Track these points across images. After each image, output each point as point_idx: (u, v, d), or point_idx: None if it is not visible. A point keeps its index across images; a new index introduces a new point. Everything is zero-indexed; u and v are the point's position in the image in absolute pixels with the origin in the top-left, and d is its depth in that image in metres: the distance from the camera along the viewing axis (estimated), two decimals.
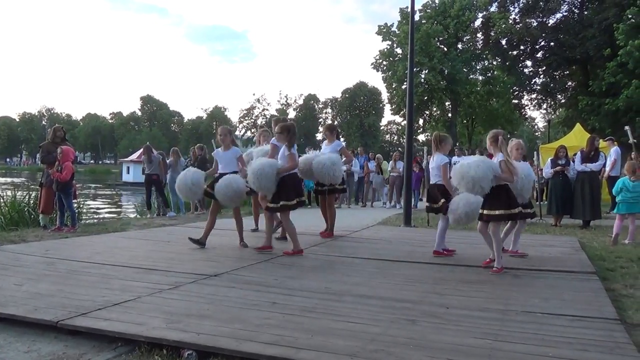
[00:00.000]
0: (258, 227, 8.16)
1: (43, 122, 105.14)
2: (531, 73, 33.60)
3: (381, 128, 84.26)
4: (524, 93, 35.83)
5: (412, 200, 12.13)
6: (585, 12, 29.63)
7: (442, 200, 5.94)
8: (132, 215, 14.73)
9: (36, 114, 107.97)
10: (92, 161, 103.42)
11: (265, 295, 4.03)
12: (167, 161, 12.46)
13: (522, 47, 32.57)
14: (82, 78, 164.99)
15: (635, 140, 10.18)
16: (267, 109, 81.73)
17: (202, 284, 4.45)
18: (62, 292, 3.99)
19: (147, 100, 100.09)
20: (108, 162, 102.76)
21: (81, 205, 11.66)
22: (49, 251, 6.03)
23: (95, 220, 11.11)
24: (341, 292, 4.21)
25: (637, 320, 3.57)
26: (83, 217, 11.01)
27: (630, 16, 23.44)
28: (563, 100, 34.49)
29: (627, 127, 11.02)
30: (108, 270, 4.91)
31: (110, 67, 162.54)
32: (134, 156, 44.40)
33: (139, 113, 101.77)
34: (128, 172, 44.19)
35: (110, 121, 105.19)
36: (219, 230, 8.52)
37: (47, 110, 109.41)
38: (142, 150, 12.54)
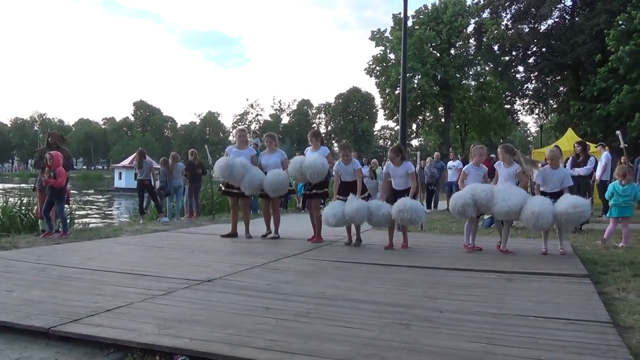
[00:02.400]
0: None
1: (35, 128, 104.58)
2: (523, 78, 33.90)
3: (374, 133, 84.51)
4: (516, 98, 36.12)
5: None
6: (577, 19, 29.95)
7: None
8: (124, 221, 14.66)
9: (28, 119, 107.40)
10: (84, 167, 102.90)
11: (258, 300, 4.02)
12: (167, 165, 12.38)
13: (514, 53, 32.87)
14: (74, 83, 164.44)
15: (626, 145, 10.26)
16: (260, 114, 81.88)
17: (195, 289, 4.42)
18: (54, 299, 3.95)
19: (140, 106, 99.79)
20: (100, 167, 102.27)
21: (73, 212, 11.61)
22: (41, 257, 5.99)
23: (85, 225, 11.05)
24: (335, 296, 4.20)
25: (629, 323, 3.58)
26: (75, 223, 10.96)
27: (620, 22, 23.70)
28: (555, 106, 34.80)
29: (618, 132, 11.09)
30: (100, 276, 4.88)
31: (103, 72, 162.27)
32: (125, 162, 44.22)
33: (132, 118, 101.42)
34: (120, 178, 43.99)
35: (102, 126, 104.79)
36: (211, 235, 8.50)
37: (39, 115, 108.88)
38: (135, 155, 12.50)
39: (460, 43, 42.80)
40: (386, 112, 45.76)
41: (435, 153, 15.38)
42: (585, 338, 3.14)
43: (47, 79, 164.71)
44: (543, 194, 6.66)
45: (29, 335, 3.24)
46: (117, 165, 48.49)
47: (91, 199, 33.51)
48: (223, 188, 8.15)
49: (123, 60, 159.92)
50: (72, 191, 9.62)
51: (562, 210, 6.20)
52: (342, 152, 7.36)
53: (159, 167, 12.72)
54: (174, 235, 8.73)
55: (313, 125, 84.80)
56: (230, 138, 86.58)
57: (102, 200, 33.63)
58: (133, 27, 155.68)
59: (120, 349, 3.01)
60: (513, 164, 6.81)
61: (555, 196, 6.59)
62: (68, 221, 9.60)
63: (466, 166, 7.22)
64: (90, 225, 11.92)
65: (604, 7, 26.09)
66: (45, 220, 8.12)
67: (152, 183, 11.83)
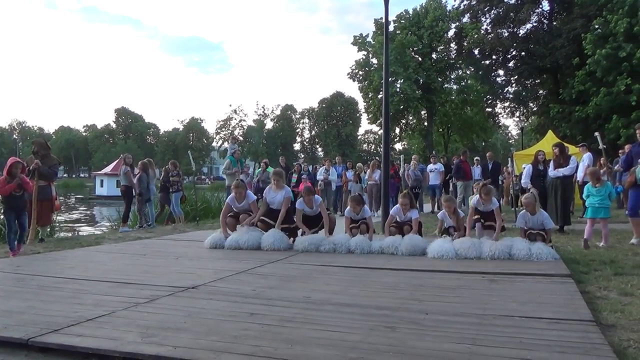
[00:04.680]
0: None
1: (14, 136, 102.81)
2: (503, 82, 34.35)
3: (358, 137, 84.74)
4: (497, 101, 36.58)
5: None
6: (554, 23, 30.48)
7: None
8: (106, 229, 14.44)
9: (7, 127, 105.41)
10: (65, 175, 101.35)
11: (243, 306, 3.98)
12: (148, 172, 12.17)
13: (494, 57, 33.29)
14: (54, 91, 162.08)
15: (604, 146, 10.45)
16: (244, 120, 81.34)
17: (179, 296, 4.37)
18: (33, 309, 3.86)
19: (122, 113, 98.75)
20: (82, 175, 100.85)
21: (56, 220, 11.40)
22: (20, 267, 5.87)
23: (74, 233, 10.89)
24: (320, 301, 4.18)
25: (611, 321, 3.63)
26: (56, 232, 10.79)
27: (597, 26, 24.18)
28: (535, 108, 35.30)
29: (596, 134, 11.31)
30: (81, 285, 4.79)
31: (84, 79, 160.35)
32: (107, 169, 43.71)
33: (114, 125, 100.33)
34: (101, 186, 43.43)
35: (84, 134, 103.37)
36: (195, 242, 8.42)
37: (18, 123, 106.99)
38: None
39: (442, 47, 43.27)
40: (369, 116, 46.01)
41: (413, 162, 15.37)
42: (569, 337, 3.17)
43: (27, 87, 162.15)
44: (528, 232, 6.97)
45: (7, 347, 3.15)
46: (99, 172, 47.88)
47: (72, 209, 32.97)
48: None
49: (104, 66, 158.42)
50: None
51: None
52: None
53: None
54: (157, 242, 8.64)
55: (297, 130, 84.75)
56: (214, 144, 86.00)
57: (84, 208, 33.12)
58: (113, 34, 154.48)
59: (102, 358, 2.95)
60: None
61: (539, 236, 6.84)
62: (49, 230, 9.48)
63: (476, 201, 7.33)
64: (70, 234, 11.74)
65: (580, 12, 26.59)
66: (11, 239, 7.18)
67: (132, 189, 11.57)
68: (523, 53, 31.02)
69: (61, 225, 13.03)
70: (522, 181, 10.31)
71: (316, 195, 8.19)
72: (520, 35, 31.81)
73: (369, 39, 44.41)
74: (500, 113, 38.63)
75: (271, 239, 7.35)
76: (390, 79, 30.89)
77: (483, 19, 33.74)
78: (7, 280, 5.06)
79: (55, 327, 3.37)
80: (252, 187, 13.88)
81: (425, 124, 47.04)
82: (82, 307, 3.91)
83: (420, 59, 43.72)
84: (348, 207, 7.91)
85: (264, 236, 7.45)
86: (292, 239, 7.67)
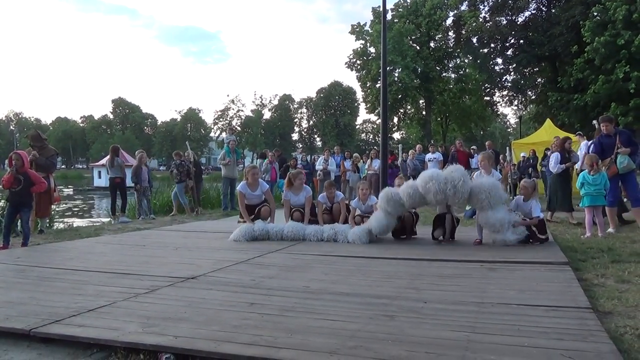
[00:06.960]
0: None
1: (11, 127, 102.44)
2: (502, 70, 34.31)
3: (357, 127, 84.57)
4: (495, 90, 36.57)
5: None
6: (553, 10, 30.34)
7: None
8: (104, 220, 14.42)
9: (3, 118, 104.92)
10: (63, 166, 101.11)
11: (243, 296, 4.00)
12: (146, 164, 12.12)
13: (492, 45, 33.20)
14: (51, 81, 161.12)
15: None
16: (242, 110, 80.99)
17: (179, 286, 4.39)
18: (34, 300, 3.89)
19: (119, 103, 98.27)
20: (80, 166, 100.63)
21: (54, 212, 11.39)
22: (20, 258, 5.89)
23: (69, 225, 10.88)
24: (320, 290, 4.21)
25: (608, 308, 3.65)
26: (55, 223, 10.78)
27: (595, 14, 24.08)
28: (533, 97, 35.27)
29: (595, 122, 11.27)
30: (82, 276, 4.81)
31: (81, 69, 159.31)
32: (104, 160, 43.58)
33: (111, 116, 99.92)
34: (99, 177, 43.40)
35: (81, 125, 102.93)
36: (194, 232, 8.45)
37: (15, 114, 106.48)
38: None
39: (440, 36, 43.12)
40: (368, 105, 45.96)
41: (418, 145, 15.44)
42: (566, 324, 3.20)
43: (22, 77, 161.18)
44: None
45: (9, 337, 3.18)
46: (97, 164, 47.80)
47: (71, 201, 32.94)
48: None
49: (100, 57, 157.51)
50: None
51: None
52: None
53: (131, 164, 12.47)
54: (156, 233, 8.66)
55: (295, 120, 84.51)
56: (212, 134, 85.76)
57: (81, 199, 33.09)
58: (109, 24, 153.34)
59: (104, 348, 2.97)
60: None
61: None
62: (48, 222, 9.47)
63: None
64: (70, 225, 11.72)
65: None
66: (4, 233, 7.04)
67: (125, 181, 11.49)
68: (521, 41, 30.92)
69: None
70: (553, 167, 10.03)
71: (337, 192, 8.26)
72: (518, 23, 31.71)
73: (367, 27, 44.21)
74: (499, 101, 38.70)
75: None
76: (388, 68, 30.83)
77: (481, 7, 33.64)
78: (8, 272, 5.08)
79: (56, 317, 3.39)
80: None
81: (424, 113, 47.00)
82: (82, 298, 3.93)
83: (418, 47, 43.54)
84: (356, 198, 7.98)
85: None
86: None
